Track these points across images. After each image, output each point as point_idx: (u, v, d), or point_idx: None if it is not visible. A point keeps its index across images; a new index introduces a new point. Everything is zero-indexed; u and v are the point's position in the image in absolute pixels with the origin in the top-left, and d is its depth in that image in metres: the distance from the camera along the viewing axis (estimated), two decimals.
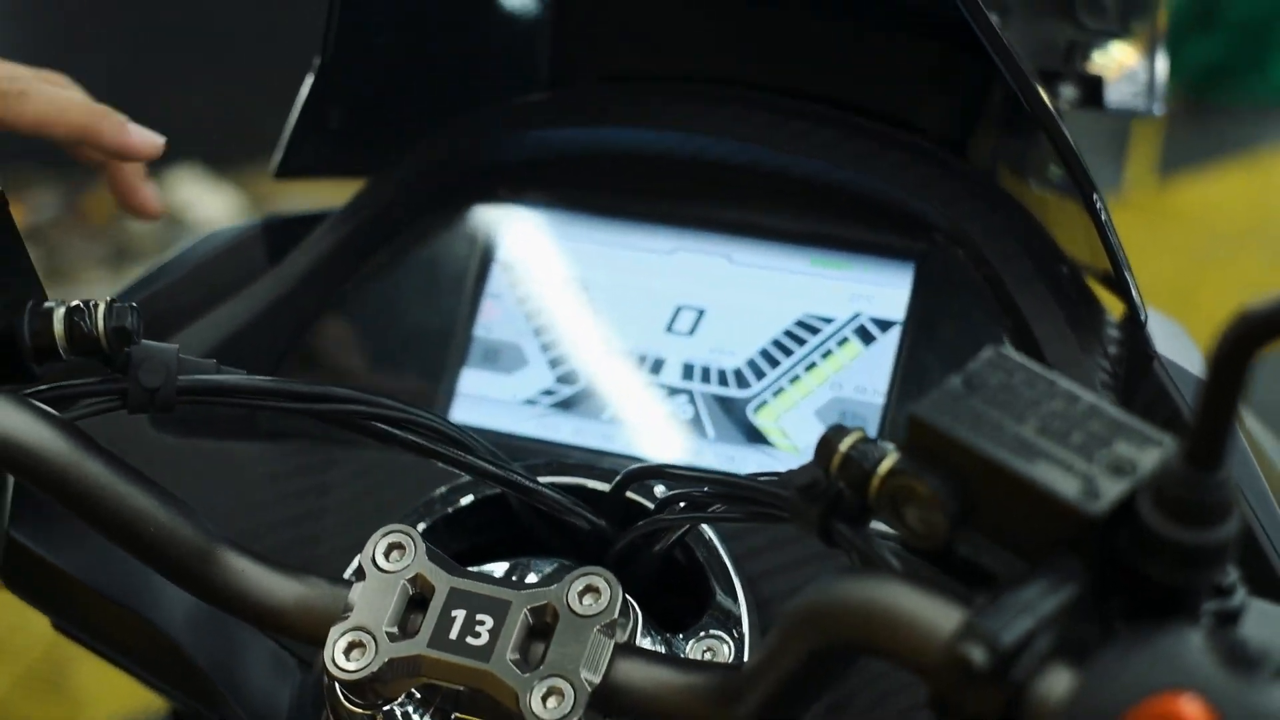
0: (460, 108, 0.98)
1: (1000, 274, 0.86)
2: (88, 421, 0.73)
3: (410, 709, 0.73)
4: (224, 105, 2.99)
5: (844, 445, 0.61)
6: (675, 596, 0.79)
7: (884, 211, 0.91)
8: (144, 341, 0.72)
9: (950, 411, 0.58)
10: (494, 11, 0.99)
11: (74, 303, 0.71)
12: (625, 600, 0.70)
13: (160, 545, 0.70)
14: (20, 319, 0.71)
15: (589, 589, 0.69)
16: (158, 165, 0.95)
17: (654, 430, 0.90)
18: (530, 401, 0.92)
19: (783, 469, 0.86)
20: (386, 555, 0.71)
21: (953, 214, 0.88)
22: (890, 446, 0.60)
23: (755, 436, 0.89)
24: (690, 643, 0.76)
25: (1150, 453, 0.56)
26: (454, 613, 0.69)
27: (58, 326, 0.71)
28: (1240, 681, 0.51)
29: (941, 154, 0.91)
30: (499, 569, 0.79)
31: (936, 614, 0.56)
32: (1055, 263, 0.88)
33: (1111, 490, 0.55)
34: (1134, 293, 0.84)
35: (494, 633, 0.68)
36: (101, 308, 0.71)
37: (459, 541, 0.81)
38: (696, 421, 0.90)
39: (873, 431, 0.87)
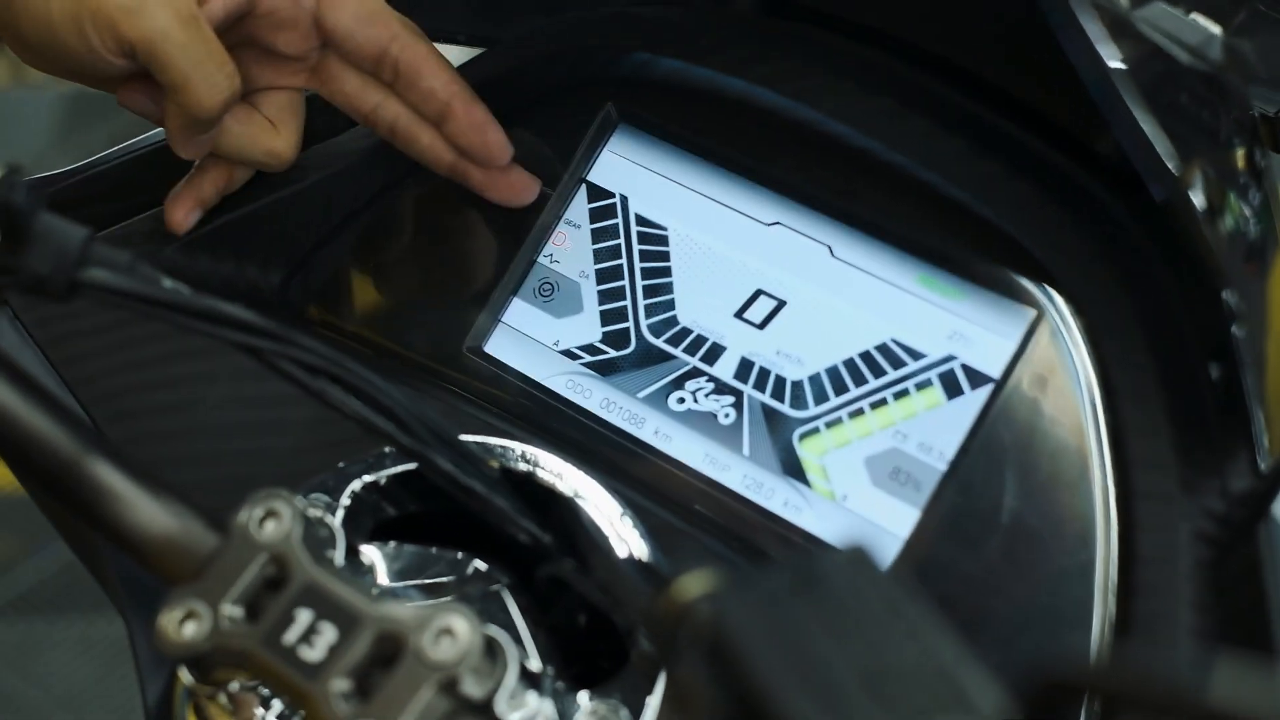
0: None
1: (1110, 365, 0.69)
2: None
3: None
4: None
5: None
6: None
7: (1007, 247, 0.73)
8: (53, 221, 0.62)
9: (761, 615, 0.45)
10: None
11: None
12: (497, 648, 0.59)
13: (24, 450, 0.62)
14: None
15: (445, 630, 0.58)
16: None
17: (686, 427, 0.77)
18: (570, 354, 0.80)
19: (809, 513, 0.73)
20: (261, 522, 0.62)
21: (1077, 272, 0.70)
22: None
23: (792, 468, 0.74)
24: (590, 703, 0.65)
25: None
26: (299, 611, 0.59)
27: None
28: None
29: (1098, 192, 0.72)
30: (445, 556, 0.69)
31: None
32: (1199, 363, 0.69)
33: None
34: (1258, 432, 0.65)
35: (333, 650, 0.58)
36: None
37: (420, 501, 0.71)
38: (735, 430, 0.76)
39: (923, 500, 0.72)
